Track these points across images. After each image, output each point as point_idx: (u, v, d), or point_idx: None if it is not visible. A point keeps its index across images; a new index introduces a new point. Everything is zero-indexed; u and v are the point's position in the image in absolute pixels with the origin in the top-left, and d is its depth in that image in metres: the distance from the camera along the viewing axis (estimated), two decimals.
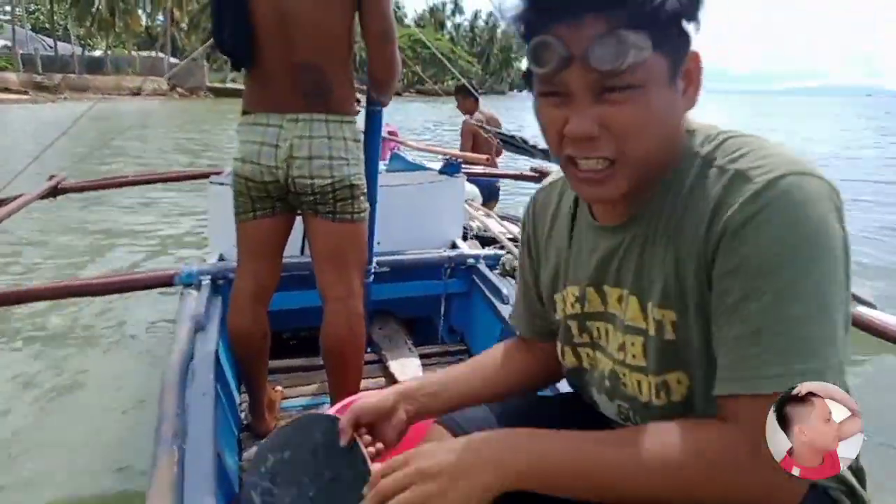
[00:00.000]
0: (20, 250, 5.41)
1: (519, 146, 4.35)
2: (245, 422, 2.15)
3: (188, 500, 1.24)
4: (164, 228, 6.45)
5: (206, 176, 3.25)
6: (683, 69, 0.75)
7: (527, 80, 0.79)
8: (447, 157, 3.37)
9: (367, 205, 1.90)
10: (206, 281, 2.37)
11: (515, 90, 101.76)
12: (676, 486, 0.69)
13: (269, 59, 1.76)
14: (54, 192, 3.44)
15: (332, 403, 1.95)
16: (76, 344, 3.51)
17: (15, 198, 3.07)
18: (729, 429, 0.69)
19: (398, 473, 0.73)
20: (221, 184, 2.60)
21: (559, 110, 0.75)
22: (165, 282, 2.48)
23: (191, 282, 2.38)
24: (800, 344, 0.66)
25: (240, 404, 2.25)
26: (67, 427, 2.65)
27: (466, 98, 5.49)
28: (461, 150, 5.28)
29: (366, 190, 1.90)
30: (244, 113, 1.83)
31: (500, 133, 4.61)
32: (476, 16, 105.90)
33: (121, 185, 3.93)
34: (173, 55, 50.84)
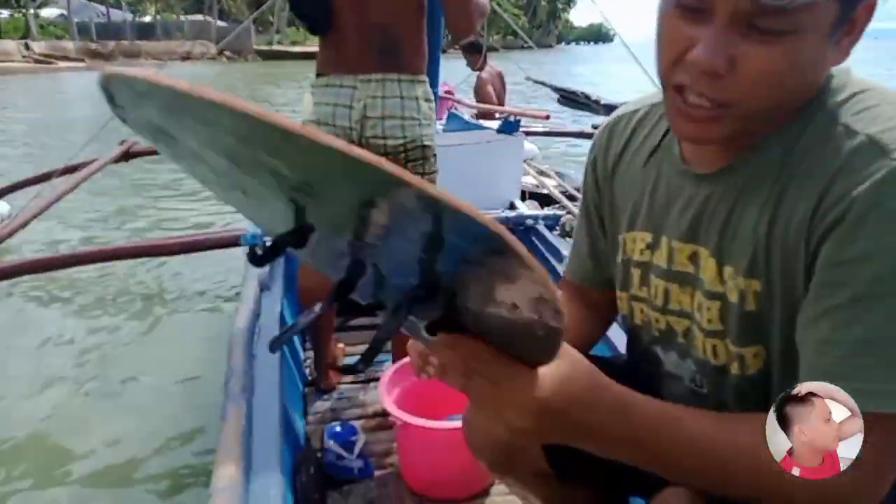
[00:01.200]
0: (94, 213, 5.62)
1: (581, 101, 4.26)
2: (310, 378, 2.22)
3: (256, 451, 1.30)
4: None
5: None
6: (851, 17, 0.63)
7: None
8: (505, 114, 3.31)
9: (437, 167, 1.91)
10: (270, 241, 2.43)
11: (563, 43, 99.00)
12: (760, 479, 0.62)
13: (343, 22, 1.77)
14: (126, 156, 3.56)
15: (394, 361, 1.99)
16: (147, 303, 3.66)
17: (90, 162, 3.18)
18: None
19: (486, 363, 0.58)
20: None
21: (689, 28, 0.64)
22: (232, 242, 2.56)
23: (256, 242, 2.44)
24: None
25: (304, 360, 2.32)
26: (139, 384, 2.78)
27: (474, 55, 5.43)
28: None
29: (436, 151, 1.90)
30: (318, 75, 1.86)
31: (560, 88, 4.54)
32: None
33: None
34: (220, 18, 51.15)
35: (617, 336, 1.72)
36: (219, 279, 3.86)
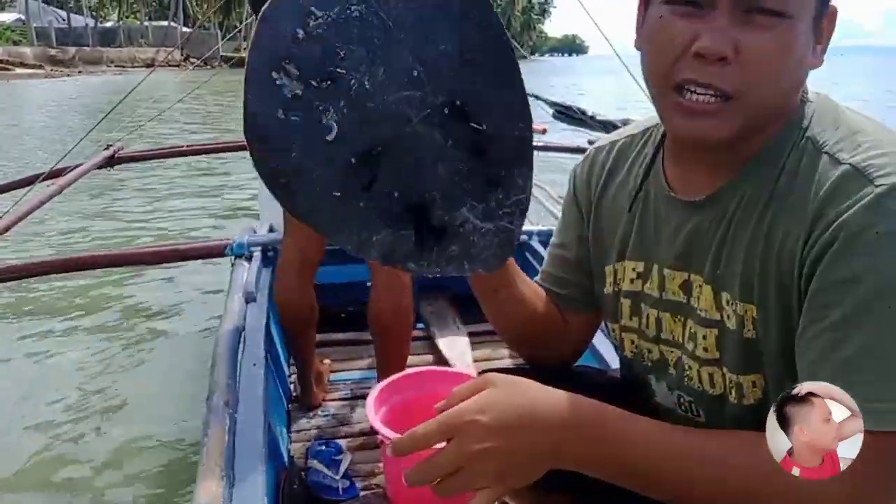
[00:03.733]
0: (76, 219, 5.58)
1: (576, 117, 4.31)
2: (294, 394, 2.20)
3: (238, 468, 1.27)
4: (216, 199, 6.58)
5: None
6: (822, 21, 0.70)
7: None
8: None
9: None
10: (256, 252, 2.42)
11: (538, 54, 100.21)
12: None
13: None
14: (111, 161, 3.53)
15: (380, 378, 1.98)
16: (129, 313, 3.62)
17: (73, 167, 3.13)
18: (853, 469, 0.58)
19: (449, 455, 0.66)
20: None
21: (689, 22, 0.68)
22: (217, 252, 2.53)
23: (242, 253, 2.42)
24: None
25: (289, 376, 2.30)
26: (119, 395, 2.74)
27: None
28: None
29: None
30: None
31: (555, 103, 4.58)
32: None
33: (176, 154, 4.01)
34: (185, 24, 50.76)
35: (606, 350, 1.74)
36: (203, 290, 3.82)
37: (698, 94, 0.69)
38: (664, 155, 0.85)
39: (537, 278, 1.05)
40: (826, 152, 0.68)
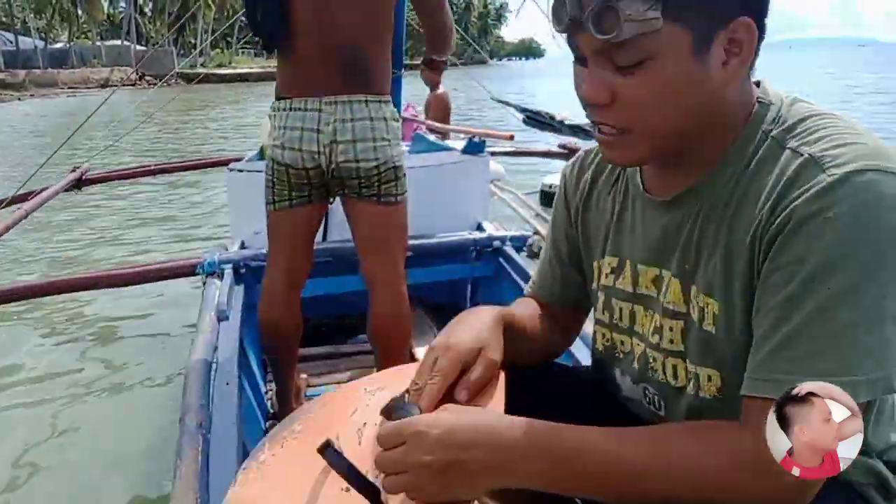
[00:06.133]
0: (42, 243, 5.48)
1: (545, 122, 4.32)
2: (272, 411, 2.18)
3: (214, 490, 1.25)
4: (185, 218, 6.49)
5: (226, 163, 3.25)
6: (723, 39, 0.70)
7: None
8: (470, 135, 3.34)
9: (407, 186, 1.92)
10: (228, 269, 2.39)
11: (496, 59, 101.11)
12: (693, 490, 0.67)
13: (305, 41, 1.76)
14: (78, 183, 3.47)
15: None
16: (99, 336, 3.55)
17: (40, 191, 3.07)
18: (754, 432, 0.62)
19: (395, 457, 0.69)
20: (241, 171, 2.61)
21: (581, 74, 0.75)
22: (188, 271, 2.49)
23: (213, 270, 2.39)
24: (839, 353, 0.63)
25: (265, 393, 2.28)
26: (91, 417, 2.68)
27: (435, 71, 5.48)
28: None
29: (406, 171, 1.91)
30: (279, 98, 1.84)
31: (525, 109, 4.59)
32: None
33: (143, 174, 3.96)
34: (139, 42, 50.13)
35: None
36: (173, 310, 3.75)
37: (600, 129, 0.76)
38: None
39: (530, 287, 1.10)
40: (789, 147, 0.71)
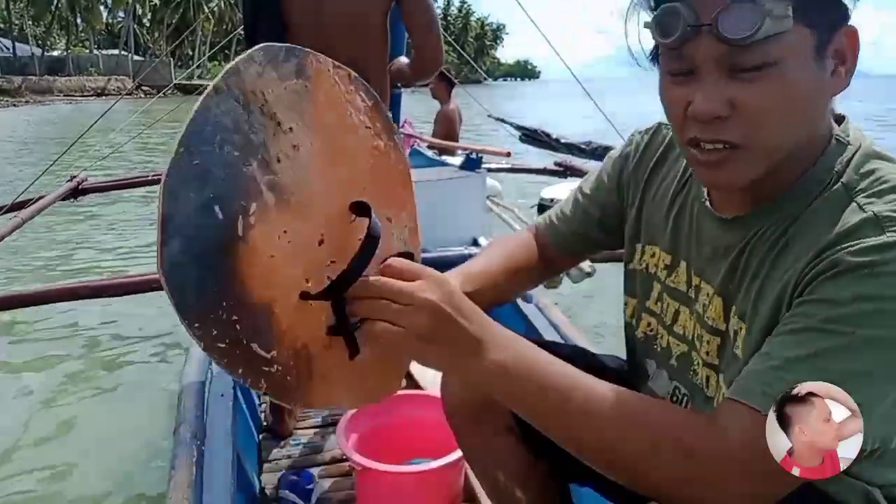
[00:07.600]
0: (37, 251, 5.49)
1: (542, 140, 4.33)
2: (265, 424, 2.20)
3: (207, 501, 1.28)
4: None
5: None
6: (834, 46, 0.69)
7: (654, 60, 0.77)
8: (467, 151, 3.38)
9: None
10: None
11: (491, 79, 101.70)
12: (629, 459, 0.69)
13: None
14: (76, 192, 3.44)
15: None
16: (93, 346, 3.56)
17: (36, 199, 3.07)
18: (724, 432, 0.66)
19: (408, 287, 0.70)
20: None
21: (684, 88, 0.71)
22: None
23: None
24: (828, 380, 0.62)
25: (259, 405, 2.30)
26: (86, 427, 2.70)
27: (441, 84, 5.46)
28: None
29: None
30: None
31: (521, 127, 4.60)
32: (449, 3, 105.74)
33: (141, 184, 3.93)
34: (136, 52, 50.18)
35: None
36: (170, 321, 3.76)
37: (707, 148, 0.72)
38: None
39: (537, 224, 1.12)
40: (856, 201, 0.69)
